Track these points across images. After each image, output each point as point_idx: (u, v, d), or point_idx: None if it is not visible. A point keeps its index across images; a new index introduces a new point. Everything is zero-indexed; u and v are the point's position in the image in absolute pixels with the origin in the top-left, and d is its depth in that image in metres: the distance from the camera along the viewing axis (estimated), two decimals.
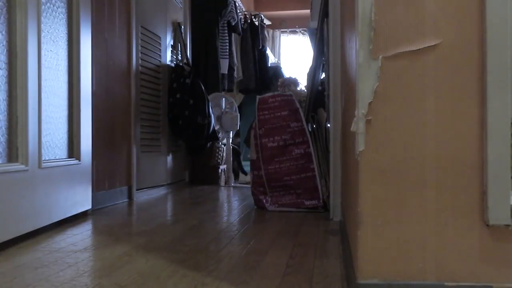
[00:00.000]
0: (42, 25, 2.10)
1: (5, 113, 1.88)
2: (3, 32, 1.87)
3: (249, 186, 3.58)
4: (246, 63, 5.67)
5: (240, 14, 5.42)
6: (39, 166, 2.06)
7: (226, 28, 4.93)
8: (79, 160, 2.46)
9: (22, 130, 1.94)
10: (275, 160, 2.80)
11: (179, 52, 4.33)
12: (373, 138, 1.10)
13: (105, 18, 2.92)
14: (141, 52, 3.50)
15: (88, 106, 2.57)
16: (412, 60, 1.09)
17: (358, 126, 1.11)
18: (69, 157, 2.41)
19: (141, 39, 3.50)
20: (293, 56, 8.37)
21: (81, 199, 2.48)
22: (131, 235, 2.09)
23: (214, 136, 4.22)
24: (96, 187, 2.76)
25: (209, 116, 4.05)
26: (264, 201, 2.81)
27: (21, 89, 1.94)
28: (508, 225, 1.06)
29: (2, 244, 1.80)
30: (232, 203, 3.27)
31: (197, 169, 4.57)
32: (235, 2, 5.03)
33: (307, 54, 7.91)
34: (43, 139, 2.11)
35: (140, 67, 3.47)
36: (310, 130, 2.81)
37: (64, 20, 2.37)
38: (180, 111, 3.96)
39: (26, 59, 1.96)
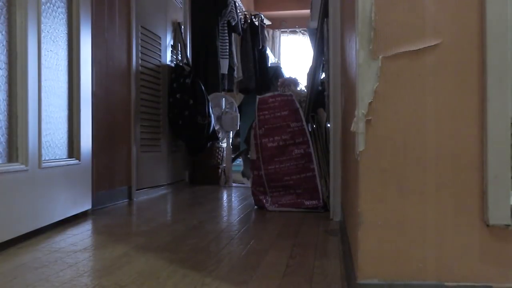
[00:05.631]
0: (42, 25, 2.10)
1: (5, 113, 1.88)
2: (3, 32, 1.87)
3: (246, 186, 3.59)
4: (246, 63, 5.67)
5: (240, 14, 5.42)
6: (39, 166, 2.06)
7: (226, 28, 4.93)
8: (79, 160, 2.46)
9: (22, 130, 1.94)
10: (275, 160, 2.80)
11: (179, 52, 4.33)
12: (373, 138, 1.10)
13: (105, 18, 2.91)
14: (141, 52, 3.50)
15: (88, 106, 2.57)
16: (412, 60, 1.09)
17: (358, 126, 1.11)
18: (69, 157, 2.41)
19: (141, 39, 3.50)
20: (293, 56, 8.37)
21: (81, 199, 2.48)
22: (131, 235, 2.09)
23: (214, 136, 4.22)
24: (96, 187, 2.76)
25: (209, 116, 4.05)
26: (264, 201, 2.81)
27: (21, 89, 1.94)
28: (508, 225, 1.06)
29: (2, 244, 1.80)
30: (232, 203, 3.27)
31: (197, 169, 4.57)
32: (235, 2, 5.03)
33: (307, 54, 7.91)
34: (43, 139, 2.11)
35: (140, 67, 3.47)
36: (310, 130, 2.81)
37: (64, 20, 2.37)
38: (180, 111, 3.96)
39: (26, 59, 1.96)
